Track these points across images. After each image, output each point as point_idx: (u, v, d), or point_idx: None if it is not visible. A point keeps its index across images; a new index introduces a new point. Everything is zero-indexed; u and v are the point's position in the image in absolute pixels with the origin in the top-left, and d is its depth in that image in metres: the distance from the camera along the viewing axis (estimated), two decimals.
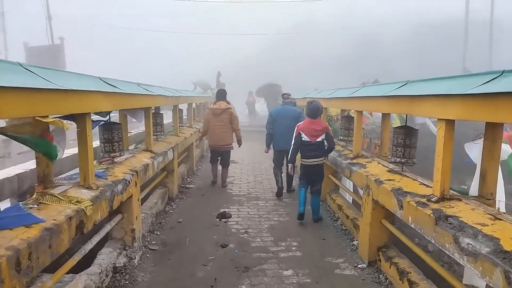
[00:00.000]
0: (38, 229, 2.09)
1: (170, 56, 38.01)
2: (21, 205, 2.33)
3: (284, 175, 6.47)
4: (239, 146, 7.63)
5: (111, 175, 3.53)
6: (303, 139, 5.09)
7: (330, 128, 5.40)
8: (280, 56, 32.02)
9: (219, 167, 7.31)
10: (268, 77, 21.82)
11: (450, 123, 2.71)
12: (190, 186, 7.15)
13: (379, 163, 4.28)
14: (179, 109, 7.97)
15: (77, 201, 2.65)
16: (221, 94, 7.40)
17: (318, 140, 5.06)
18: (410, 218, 2.90)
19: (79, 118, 2.94)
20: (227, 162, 7.28)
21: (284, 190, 6.51)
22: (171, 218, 5.30)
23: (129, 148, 5.30)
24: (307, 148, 5.11)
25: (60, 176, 3.20)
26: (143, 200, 4.98)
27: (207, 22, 36.74)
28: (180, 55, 37.65)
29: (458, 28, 23.57)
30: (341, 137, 5.87)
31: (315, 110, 5.12)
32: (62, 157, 3.15)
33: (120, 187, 3.40)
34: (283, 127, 6.22)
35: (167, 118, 11.16)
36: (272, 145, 6.57)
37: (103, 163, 3.97)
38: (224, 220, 5.22)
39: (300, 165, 5.36)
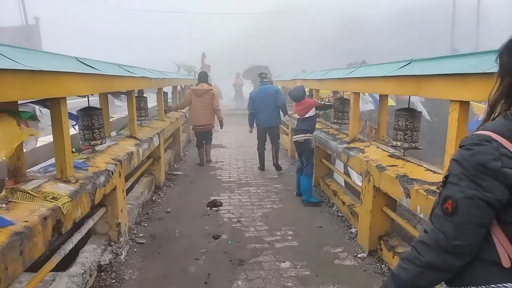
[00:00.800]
0: (5, 234, 1.80)
1: (150, 37, 36.87)
2: None
3: (268, 151, 7.03)
4: (221, 128, 7.74)
5: (92, 166, 3.21)
6: (296, 117, 5.42)
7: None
8: (266, 37, 31.48)
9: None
10: (255, 59, 21.36)
11: (464, 104, 2.49)
12: (178, 172, 6.86)
13: (378, 147, 4.08)
14: (163, 92, 7.60)
15: (53, 198, 2.34)
16: (203, 76, 7.49)
17: (306, 116, 5.20)
18: (419, 207, 2.71)
19: (53, 103, 2.61)
20: (209, 139, 7.63)
21: (272, 166, 6.99)
22: (158, 208, 5.02)
23: (112, 134, 4.96)
24: (297, 126, 5.35)
25: (33, 169, 2.87)
26: (129, 190, 4.68)
27: (189, 1, 35.66)
28: (161, 37, 36.58)
29: (445, 10, 23.43)
30: (335, 120, 5.65)
31: (295, 96, 5.32)
32: (36, 146, 2.82)
33: (102, 178, 3.10)
34: (263, 106, 6.63)
35: (152, 101, 10.77)
36: (255, 123, 6.85)
37: (83, 152, 3.64)
38: (215, 208, 4.97)
39: (297, 145, 5.35)
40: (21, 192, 2.27)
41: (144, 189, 4.99)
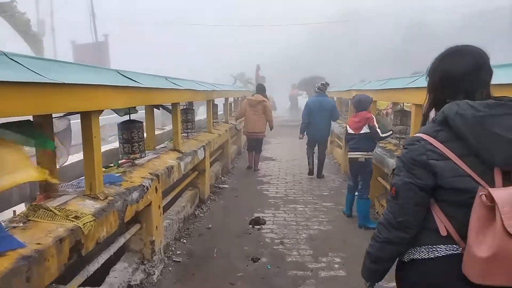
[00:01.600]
0: (12, 258, 1.68)
1: (212, 50, 38.10)
2: (2, 224, 1.94)
3: (315, 158, 7.26)
4: (271, 130, 8.38)
5: (127, 181, 3.12)
6: (348, 131, 4.98)
7: (376, 121, 4.86)
8: (323, 47, 30.90)
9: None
10: (311, 70, 20.97)
11: None
12: (224, 186, 6.71)
13: None
14: (214, 104, 7.57)
15: (75, 217, 2.23)
16: (260, 88, 8.20)
17: (362, 132, 4.75)
18: None
19: (83, 117, 2.54)
20: (259, 149, 8.06)
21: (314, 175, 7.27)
22: (200, 223, 4.87)
23: (159, 147, 4.93)
24: (352, 141, 4.89)
25: (66, 184, 2.83)
26: (171, 204, 4.60)
27: (249, 14, 36.31)
28: (223, 49, 37.63)
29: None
30: (396, 135, 5.11)
31: (356, 103, 4.96)
32: (66, 162, 2.78)
33: (135, 194, 2.98)
34: (318, 118, 6.90)
35: (204, 113, 10.89)
36: (306, 132, 7.17)
37: (122, 165, 3.59)
38: (258, 227, 4.70)
39: (350, 162, 5.00)
40: (43, 210, 2.18)
41: (187, 203, 4.88)
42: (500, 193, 1.18)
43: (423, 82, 4.14)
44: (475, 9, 28.30)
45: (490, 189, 1.20)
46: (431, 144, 1.33)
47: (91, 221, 2.26)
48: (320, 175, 7.20)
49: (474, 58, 1.39)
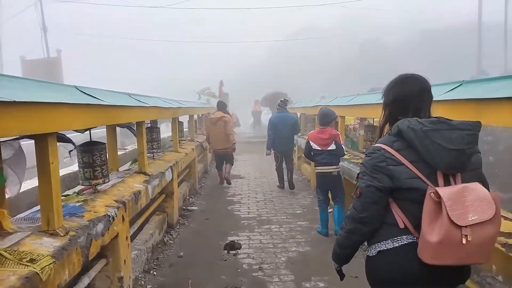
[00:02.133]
0: None
1: (170, 66, 37.48)
2: None
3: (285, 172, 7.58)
4: (233, 151, 8.13)
5: (89, 211, 2.75)
6: (313, 147, 5.00)
7: (341, 137, 4.99)
8: (284, 63, 31.45)
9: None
10: (273, 85, 21.12)
11: None
12: (193, 208, 6.36)
13: None
14: (179, 121, 7.24)
15: (31, 260, 1.86)
16: (221, 105, 8.29)
17: (330, 148, 4.84)
18: (494, 267, 2.10)
19: (37, 140, 2.18)
20: (230, 161, 8.14)
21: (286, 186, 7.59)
22: (170, 251, 4.50)
23: (122, 168, 4.54)
24: (320, 156, 4.91)
25: (19, 216, 2.42)
26: (137, 232, 4.20)
27: (207, 30, 36.30)
28: (180, 65, 37.13)
29: (470, 32, 22.76)
30: (364, 150, 5.09)
31: (322, 116, 5.04)
32: (19, 189, 2.39)
33: (100, 226, 2.62)
34: (282, 133, 7.27)
35: (167, 131, 10.47)
36: (273, 147, 7.47)
37: (83, 193, 3.20)
38: (233, 252, 4.41)
39: (316, 176, 5.10)
40: None
41: (155, 230, 4.50)
42: (445, 191, 1.47)
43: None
44: (426, 27, 30.07)
45: (437, 188, 1.49)
46: (389, 152, 1.61)
47: (50, 263, 1.90)
48: (291, 185, 7.51)
49: (420, 84, 1.73)
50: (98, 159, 3.21)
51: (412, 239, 1.58)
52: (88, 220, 2.57)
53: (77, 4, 28.35)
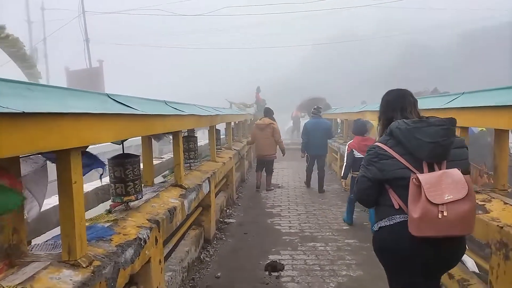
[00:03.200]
0: None
1: (207, 74, 37.85)
2: None
3: (315, 175, 7.98)
4: (283, 155, 8.51)
5: (119, 233, 2.45)
6: (356, 156, 5.27)
7: None
8: (323, 68, 30.77)
9: (264, 174, 8.22)
10: (312, 91, 20.56)
11: None
12: (230, 220, 6.01)
13: (505, 203, 2.90)
14: (216, 129, 6.96)
15: None
16: (268, 112, 8.44)
17: None
18: None
19: (60, 156, 1.90)
20: (270, 170, 8.26)
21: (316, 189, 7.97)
22: (207, 269, 4.16)
23: (158, 180, 4.28)
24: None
25: (38, 244, 2.15)
26: (172, 250, 3.90)
27: (242, 38, 36.31)
28: (216, 73, 37.40)
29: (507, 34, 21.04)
30: None
31: (361, 126, 5.46)
32: (39, 212, 2.11)
33: (130, 252, 2.31)
34: (317, 137, 7.73)
35: (203, 137, 10.26)
36: (307, 150, 7.96)
37: (114, 210, 2.92)
38: (275, 274, 3.99)
39: (352, 179, 5.37)
40: None
41: (191, 247, 4.18)
42: (424, 176, 1.83)
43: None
44: (467, 28, 28.42)
45: (418, 175, 1.85)
46: (383, 149, 2.00)
47: None
48: (321, 190, 7.80)
49: (400, 91, 2.23)
50: (130, 173, 2.93)
51: (405, 217, 1.93)
52: (116, 245, 2.26)
53: (117, 15, 29.28)
